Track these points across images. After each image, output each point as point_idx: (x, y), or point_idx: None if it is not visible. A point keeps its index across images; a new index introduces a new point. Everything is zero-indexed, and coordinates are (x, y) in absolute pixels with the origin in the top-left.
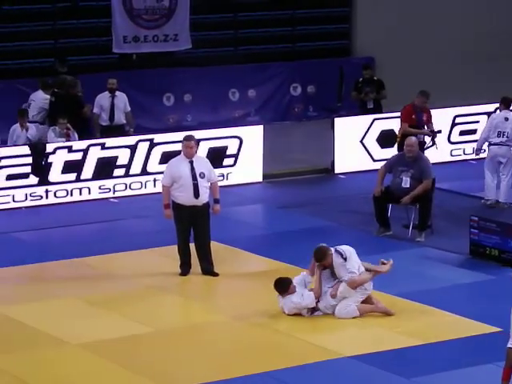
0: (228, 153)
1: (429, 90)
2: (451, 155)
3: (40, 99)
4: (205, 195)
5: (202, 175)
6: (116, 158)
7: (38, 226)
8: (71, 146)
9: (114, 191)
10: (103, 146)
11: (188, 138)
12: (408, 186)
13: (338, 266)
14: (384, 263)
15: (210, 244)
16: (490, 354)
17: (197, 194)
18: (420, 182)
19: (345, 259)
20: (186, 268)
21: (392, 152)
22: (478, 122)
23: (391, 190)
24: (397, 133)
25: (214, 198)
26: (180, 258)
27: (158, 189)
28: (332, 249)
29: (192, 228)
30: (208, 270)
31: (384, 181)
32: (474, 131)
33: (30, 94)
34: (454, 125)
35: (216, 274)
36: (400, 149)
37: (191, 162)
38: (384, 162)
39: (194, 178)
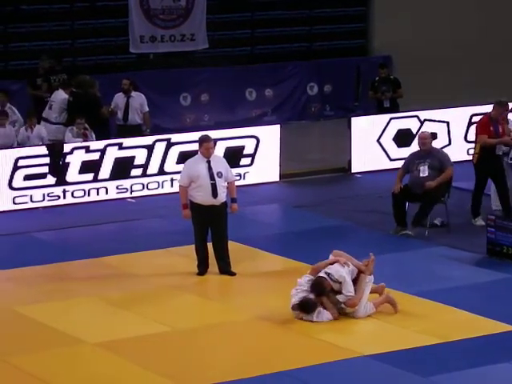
0: (245, 152)
1: (448, 89)
2: (468, 154)
3: (60, 99)
4: (223, 195)
5: (220, 175)
6: (133, 157)
7: (55, 226)
8: (88, 146)
9: (132, 191)
10: (120, 146)
11: (207, 139)
12: (426, 174)
13: (337, 289)
14: (366, 264)
15: (228, 243)
16: (507, 353)
17: (215, 194)
18: (438, 172)
19: (340, 283)
20: (203, 268)
21: (408, 151)
22: None
23: (409, 186)
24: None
25: (231, 198)
26: (197, 257)
27: (176, 189)
28: (326, 276)
29: (210, 227)
30: (225, 269)
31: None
32: None
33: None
34: (470, 124)
35: (233, 274)
36: (480, 165)
37: (208, 162)
38: (401, 163)
39: (212, 177)
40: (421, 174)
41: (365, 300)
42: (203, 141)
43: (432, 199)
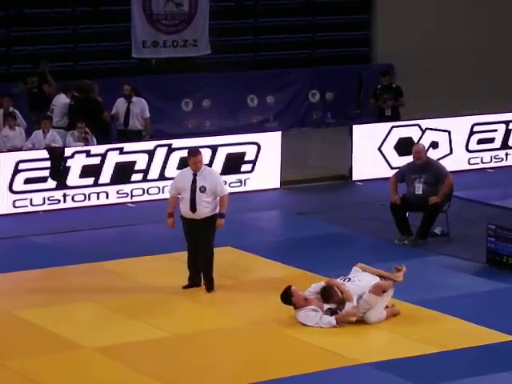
0: (246, 159)
1: (449, 98)
2: (469, 163)
3: (62, 104)
4: (204, 210)
5: (203, 189)
6: (134, 162)
7: (55, 230)
8: (89, 151)
9: (132, 196)
10: (121, 151)
11: (194, 154)
12: (420, 192)
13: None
14: (398, 269)
15: (211, 260)
16: (506, 363)
17: (193, 208)
18: (433, 187)
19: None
20: (191, 281)
21: (409, 160)
22: (495, 130)
23: (407, 198)
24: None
25: (219, 212)
26: (188, 269)
27: None
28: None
29: None
30: (206, 285)
31: (398, 190)
32: (491, 140)
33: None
34: (471, 133)
35: (210, 289)
36: None
37: (194, 175)
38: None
39: (193, 191)
40: (416, 192)
41: (381, 308)
42: (190, 155)
43: (435, 210)
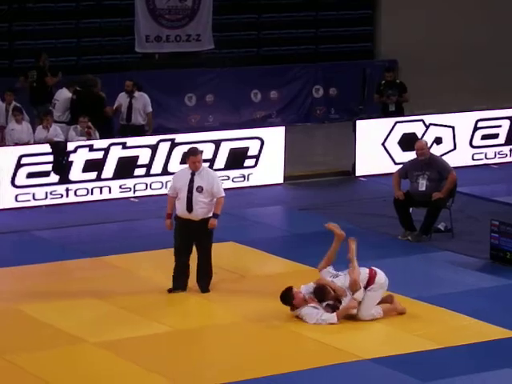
0: (249, 154)
1: (454, 94)
2: (473, 159)
3: (64, 98)
4: (200, 210)
5: (200, 189)
6: (137, 157)
7: (58, 225)
8: (92, 145)
9: (135, 191)
10: (124, 146)
11: (194, 153)
12: (424, 188)
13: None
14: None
15: (210, 262)
16: (509, 359)
17: (190, 208)
18: (437, 183)
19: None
20: (176, 283)
21: (413, 155)
22: (500, 126)
23: (410, 194)
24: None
25: (213, 213)
26: (173, 270)
27: None
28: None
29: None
30: (202, 289)
31: (401, 186)
32: (496, 135)
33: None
34: (476, 129)
35: (206, 291)
36: None
37: (192, 175)
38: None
39: (190, 191)
40: (419, 188)
41: (373, 304)
42: (189, 154)
43: (438, 206)
